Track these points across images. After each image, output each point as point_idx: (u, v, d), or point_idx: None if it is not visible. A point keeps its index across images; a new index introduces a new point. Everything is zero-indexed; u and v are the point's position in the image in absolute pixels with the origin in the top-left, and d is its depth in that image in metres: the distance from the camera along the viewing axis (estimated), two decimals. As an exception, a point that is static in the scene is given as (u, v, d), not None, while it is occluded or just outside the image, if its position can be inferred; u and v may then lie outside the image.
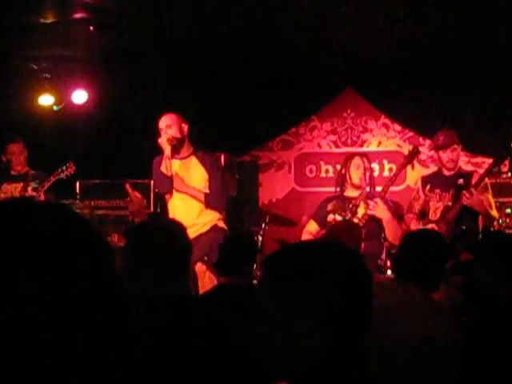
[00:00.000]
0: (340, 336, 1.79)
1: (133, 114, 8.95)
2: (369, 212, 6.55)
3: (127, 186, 4.83)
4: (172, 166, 6.82)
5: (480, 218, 6.55)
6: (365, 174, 6.85)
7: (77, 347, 1.03)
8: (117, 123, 8.99)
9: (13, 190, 7.64)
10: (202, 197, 6.77)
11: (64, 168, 7.52)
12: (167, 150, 6.70)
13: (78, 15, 7.17)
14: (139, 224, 4.41)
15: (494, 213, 6.63)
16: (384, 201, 6.61)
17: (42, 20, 7.26)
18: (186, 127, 6.86)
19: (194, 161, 6.87)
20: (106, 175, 8.74)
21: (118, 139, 9.06)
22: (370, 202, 6.57)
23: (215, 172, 6.89)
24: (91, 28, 7.46)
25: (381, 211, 6.53)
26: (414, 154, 6.85)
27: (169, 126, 6.79)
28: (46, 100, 8.82)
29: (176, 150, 6.82)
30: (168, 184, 6.80)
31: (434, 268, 3.80)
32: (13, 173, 7.76)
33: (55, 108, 8.89)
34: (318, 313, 1.77)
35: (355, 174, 6.84)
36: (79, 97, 8.85)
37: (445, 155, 6.68)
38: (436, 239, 4.06)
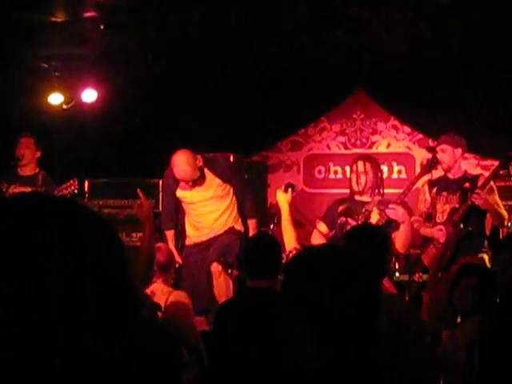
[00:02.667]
0: (351, 339, 1.80)
1: (142, 113, 8.96)
2: (389, 215, 6.43)
3: (139, 191, 4.86)
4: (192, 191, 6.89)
5: (487, 219, 6.54)
6: (361, 179, 6.75)
7: (87, 344, 1.02)
8: (126, 122, 9.00)
9: None
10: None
11: (68, 184, 7.49)
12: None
13: (88, 14, 7.18)
14: None
15: (504, 212, 6.60)
16: (403, 205, 6.54)
17: (53, 19, 7.28)
18: (200, 160, 6.83)
19: (207, 175, 6.91)
20: (114, 174, 8.74)
21: (127, 138, 9.06)
22: (389, 207, 6.44)
23: (233, 179, 6.94)
24: (101, 27, 7.47)
25: (401, 215, 6.46)
26: (432, 164, 6.81)
27: (186, 172, 6.75)
28: (55, 99, 8.82)
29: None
30: (173, 217, 6.92)
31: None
32: (21, 174, 7.74)
33: (65, 107, 8.89)
34: (333, 317, 1.78)
35: (354, 179, 6.75)
36: (89, 95, 8.86)
37: (445, 155, 6.65)
38: None
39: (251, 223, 6.95)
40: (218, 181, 6.89)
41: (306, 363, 1.82)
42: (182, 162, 6.72)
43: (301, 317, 1.81)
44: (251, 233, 6.87)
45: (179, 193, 6.93)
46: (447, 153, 6.69)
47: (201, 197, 6.89)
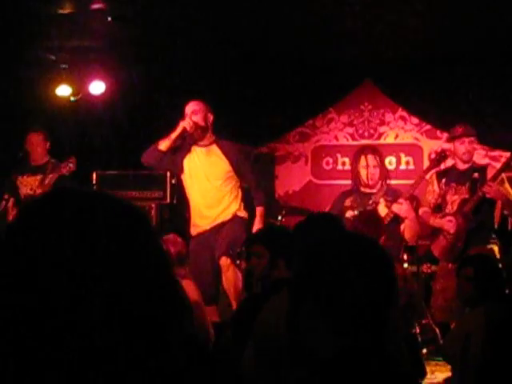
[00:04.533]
0: (364, 326, 1.80)
1: (149, 105, 8.96)
2: (394, 210, 6.50)
3: None
4: (193, 153, 6.88)
5: (495, 210, 6.54)
6: (373, 173, 6.75)
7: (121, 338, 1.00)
8: (134, 114, 9.00)
9: (32, 182, 7.64)
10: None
11: (66, 164, 7.49)
12: (177, 132, 6.77)
13: (95, 6, 7.17)
14: None
15: None
16: (410, 200, 6.57)
17: (60, 11, 7.27)
18: (211, 117, 6.90)
19: (214, 150, 6.91)
20: (122, 166, 8.75)
21: (134, 130, 9.06)
22: (395, 205, 6.50)
23: (245, 167, 6.93)
24: (109, 19, 7.46)
25: (405, 211, 6.49)
26: (441, 158, 6.82)
27: (194, 112, 6.84)
28: (63, 91, 8.82)
29: (191, 139, 6.87)
30: (157, 157, 6.89)
31: None
32: (33, 164, 7.78)
33: (72, 99, 8.90)
34: (345, 303, 1.79)
35: (365, 175, 6.75)
36: (96, 87, 8.85)
37: (462, 146, 6.65)
38: None
39: (259, 210, 6.92)
40: (225, 161, 6.88)
41: (319, 352, 1.82)
42: (195, 104, 6.88)
43: (313, 305, 1.81)
44: (258, 221, 6.85)
45: (187, 161, 6.94)
46: (473, 145, 6.70)
47: (201, 160, 6.89)
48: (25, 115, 8.41)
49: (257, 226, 6.77)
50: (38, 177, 7.61)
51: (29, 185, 7.63)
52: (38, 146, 7.75)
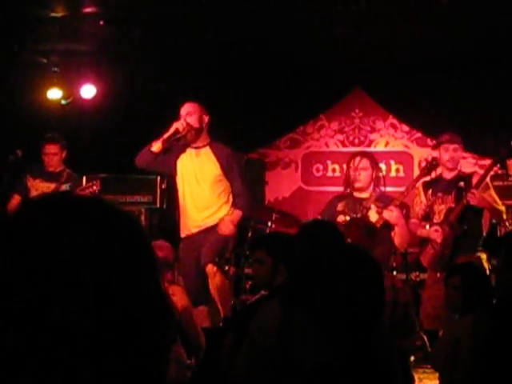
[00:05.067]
0: (356, 335, 1.81)
1: (141, 109, 8.96)
2: (384, 217, 6.52)
3: None
4: (186, 155, 6.87)
5: (484, 218, 6.56)
6: (361, 175, 6.77)
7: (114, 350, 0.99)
8: (125, 118, 8.99)
9: (45, 188, 7.61)
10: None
11: (90, 184, 7.50)
12: (169, 133, 6.75)
13: (87, 9, 7.18)
14: None
15: (501, 207, 6.63)
16: (400, 208, 6.59)
17: (52, 14, 7.27)
18: (206, 119, 6.87)
19: (207, 152, 6.89)
20: (112, 170, 8.73)
21: (125, 134, 9.05)
22: (385, 212, 6.53)
23: (234, 171, 6.88)
24: (101, 22, 7.46)
25: (395, 218, 6.51)
26: (432, 166, 6.83)
27: (189, 114, 6.82)
28: (54, 94, 8.81)
29: (185, 140, 6.85)
30: (150, 158, 6.87)
31: None
32: (47, 170, 7.75)
33: (63, 102, 8.89)
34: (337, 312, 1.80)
35: (357, 177, 6.77)
36: (88, 91, 8.84)
37: (446, 154, 6.66)
38: None
39: (235, 213, 6.83)
40: (216, 164, 6.86)
41: (311, 359, 1.83)
42: (191, 106, 6.86)
43: (306, 314, 1.81)
44: (228, 220, 6.78)
45: (179, 162, 6.93)
46: (458, 153, 6.72)
47: (193, 161, 6.88)
48: (16, 118, 8.39)
49: (225, 226, 6.75)
50: (52, 185, 7.59)
51: (40, 190, 7.61)
52: (54, 155, 7.72)
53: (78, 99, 8.89)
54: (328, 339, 1.79)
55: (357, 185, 6.74)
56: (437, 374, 4.90)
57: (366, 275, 1.87)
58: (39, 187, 7.64)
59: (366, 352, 1.82)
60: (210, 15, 7.28)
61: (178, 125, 6.78)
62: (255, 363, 3.20)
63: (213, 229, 6.81)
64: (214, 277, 6.65)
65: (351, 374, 1.78)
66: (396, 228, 6.54)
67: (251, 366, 3.24)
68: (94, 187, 7.41)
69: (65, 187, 7.56)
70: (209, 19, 7.40)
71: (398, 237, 6.59)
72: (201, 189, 6.87)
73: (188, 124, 6.78)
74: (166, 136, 6.80)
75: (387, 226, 6.56)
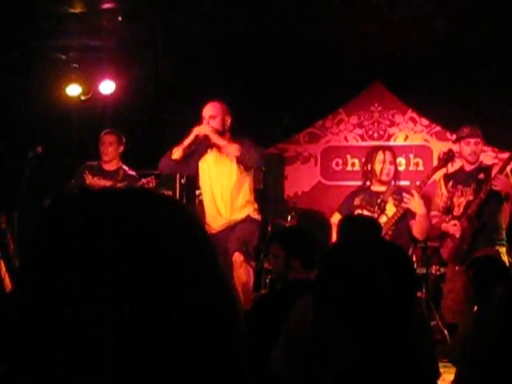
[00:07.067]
0: (386, 334, 1.80)
1: (160, 104, 8.97)
2: (403, 205, 6.52)
3: None
4: (208, 155, 6.86)
5: (504, 211, 6.53)
6: (389, 169, 6.81)
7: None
8: (144, 114, 9.00)
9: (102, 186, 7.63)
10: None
11: (146, 182, 7.53)
12: (189, 139, 6.75)
13: (106, 5, 7.19)
14: None
15: None
16: (420, 195, 6.58)
17: (71, 10, 7.29)
18: (229, 120, 6.85)
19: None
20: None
21: (145, 130, 9.07)
22: (405, 195, 6.52)
23: (251, 152, 6.81)
24: (119, 18, 7.47)
25: (416, 205, 6.50)
26: (448, 157, 6.80)
27: (212, 117, 6.79)
28: (73, 90, 8.82)
29: (206, 142, 6.83)
30: (172, 166, 6.88)
31: None
32: (105, 168, 7.80)
33: (82, 98, 8.91)
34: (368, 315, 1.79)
35: (380, 169, 6.79)
36: (107, 87, 8.86)
37: (468, 147, 6.66)
38: None
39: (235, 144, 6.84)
40: (234, 167, 6.85)
41: (342, 358, 1.81)
42: (213, 108, 6.83)
43: (336, 313, 1.80)
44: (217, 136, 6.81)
45: (202, 163, 6.93)
46: (479, 146, 6.71)
47: (215, 162, 6.87)
48: (35, 114, 8.42)
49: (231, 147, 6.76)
50: (109, 183, 7.63)
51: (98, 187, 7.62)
52: (110, 145, 7.74)
53: (97, 95, 8.91)
54: (357, 339, 1.78)
55: (384, 178, 6.76)
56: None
57: (401, 273, 1.85)
58: (96, 185, 7.68)
59: (399, 351, 1.81)
60: (231, 12, 7.27)
61: (198, 131, 6.76)
62: (292, 355, 3.19)
63: (237, 224, 6.82)
64: (240, 266, 6.62)
65: (382, 374, 1.77)
66: (416, 216, 6.53)
67: (288, 358, 3.23)
68: (151, 184, 7.46)
69: (121, 185, 7.57)
70: (229, 16, 7.39)
71: (417, 225, 6.56)
72: (223, 188, 6.87)
73: (212, 128, 6.76)
74: (186, 143, 6.80)
75: (405, 218, 6.55)
